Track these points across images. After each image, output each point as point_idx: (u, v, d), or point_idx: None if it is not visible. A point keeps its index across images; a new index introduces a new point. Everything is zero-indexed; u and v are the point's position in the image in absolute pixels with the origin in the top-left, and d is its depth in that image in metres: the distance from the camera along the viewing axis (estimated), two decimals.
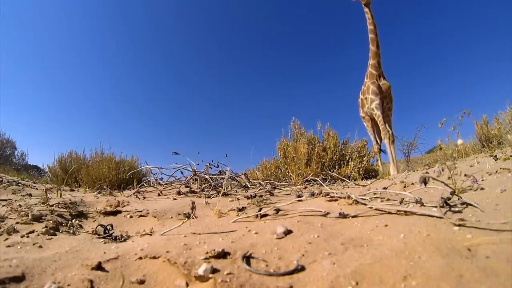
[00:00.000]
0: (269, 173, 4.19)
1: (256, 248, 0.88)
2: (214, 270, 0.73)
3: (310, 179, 3.08)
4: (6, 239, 1.09)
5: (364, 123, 4.46)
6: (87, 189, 3.27)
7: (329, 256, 0.76)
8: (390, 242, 0.78)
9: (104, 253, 0.93)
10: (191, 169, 2.74)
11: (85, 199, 2.08)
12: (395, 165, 3.81)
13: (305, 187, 2.65)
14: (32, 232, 1.20)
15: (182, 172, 2.81)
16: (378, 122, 3.88)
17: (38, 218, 1.40)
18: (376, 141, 4.39)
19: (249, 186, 2.64)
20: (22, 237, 1.12)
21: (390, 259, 0.67)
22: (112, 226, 1.36)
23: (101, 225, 1.33)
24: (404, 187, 1.84)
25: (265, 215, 1.35)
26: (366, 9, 3.72)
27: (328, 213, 1.21)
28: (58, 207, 1.69)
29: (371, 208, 1.18)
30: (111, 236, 1.24)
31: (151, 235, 1.26)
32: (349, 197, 1.42)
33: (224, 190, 2.20)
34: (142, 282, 0.74)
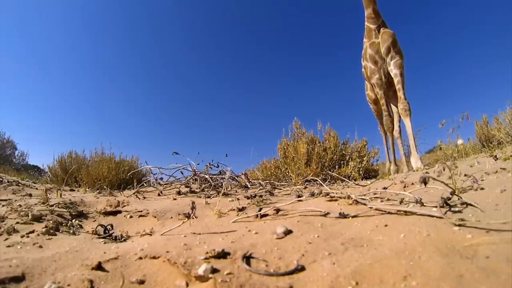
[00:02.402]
0: (269, 173, 4.19)
1: (256, 248, 0.88)
2: (214, 270, 0.73)
3: (310, 179, 3.07)
4: (6, 239, 1.09)
5: (370, 105, 3.92)
6: (87, 189, 3.27)
7: (329, 256, 0.76)
8: (390, 242, 0.78)
9: (104, 253, 0.93)
10: (191, 169, 2.74)
11: (85, 199, 2.08)
12: (400, 162, 3.32)
13: (305, 187, 2.65)
14: (32, 232, 1.20)
15: (182, 172, 2.81)
16: (381, 106, 3.36)
17: (38, 218, 1.40)
18: (384, 129, 3.87)
19: (249, 186, 2.63)
20: (22, 237, 1.12)
21: (390, 259, 0.67)
22: (112, 226, 1.36)
23: (101, 225, 1.33)
24: (404, 187, 1.84)
25: (265, 215, 1.35)
26: None
27: (328, 213, 1.21)
28: (58, 207, 1.69)
29: (371, 208, 1.18)
30: (111, 236, 1.24)
31: (151, 235, 1.26)
32: (349, 197, 1.42)
33: (224, 190, 2.20)
34: (142, 282, 0.74)
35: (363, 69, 3.53)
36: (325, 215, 1.21)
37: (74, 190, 3.10)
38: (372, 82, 3.24)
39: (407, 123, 3.07)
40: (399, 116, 3.47)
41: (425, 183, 0.99)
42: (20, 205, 1.67)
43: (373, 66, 3.18)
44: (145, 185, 2.92)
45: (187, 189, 2.49)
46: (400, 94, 3.07)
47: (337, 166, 3.74)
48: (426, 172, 2.22)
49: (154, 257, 0.85)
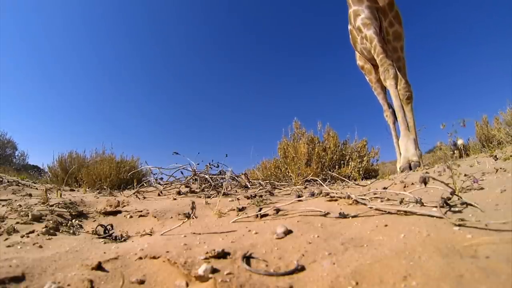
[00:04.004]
0: (269, 173, 4.19)
1: (256, 248, 0.88)
2: (214, 270, 0.73)
3: (310, 179, 3.07)
4: (6, 239, 1.09)
5: (366, 76, 3.07)
6: (87, 189, 3.27)
7: (329, 256, 0.76)
8: (390, 242, 0.78)
9: (104, 253, 0.93)
10: (191, 169, 2.74)
11: (85, 199, 2.08)
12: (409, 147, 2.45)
13: (305, 187, 2.65)
14: (32, 232, 1.20)
15: (182, 172, 2.81)
16: (373, 53, 2.30)
17: (38, 218, 1.40)
18: (388, 104, 3.01)
19: (249, 186, 2.63)
20: (22, 237, 1.12)
21: (390, 259, 0.67)
22: (112, 226, 1.36)
23: (101, 225, 1.33)
24: (404, 187, 1.84)
25: (265, 215, 1.35)
26: None
27: (328, 213, 1.21)
28: (58, 207, 1.69)
29: (371, 208, 1.18)
30: (111, 236, 1.24)
31: (151, 235, 1.26)
32: (349, 197, 1.42)
33: (224, 190, 2.20)
34: (142, 282, 0.74)
35: (350, 37, 2.84)
36: (325, 215, 1.21)
37: (74, 190, 3.10)
38: (358, 24, 2.31)
39: (408, 112, 2.57)
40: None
41: (425, 183, 0.99)
42: (20, 205, 1.67)
43: (357, 6, 2.33)
44: (145, 185, 2.92)
45: (187, 189, 2.49)
46: (401, 76, 2.50)
47: (337, 166, 3.74)
48: (426, 172, 2.22)
49: (154, 257, 0.85)
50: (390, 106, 2.96)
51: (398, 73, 2.33)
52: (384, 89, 2.87)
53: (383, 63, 2.21)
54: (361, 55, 2.83)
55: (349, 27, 2.68)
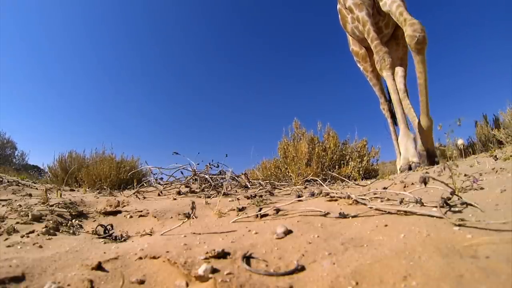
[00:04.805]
0: (269, 173, 4.19)
1: (256, 248, 0.88)
2: (214, 270, 0.73)
3: (310, 179, 3.07)
4: (6, 239, 1.09)
5: (360, 64, 2.76)
6: (87, 189, 3.27)
7: (329, 256, 0.76)
8: (390, 242, 0.78)
9: (104, 253, 0.93)
10: (191, 169, 2.74)
11: (85, 199, 2.08)
12: (407, 140, 2.24)
13: (305, 187, 2.65)
14: (32, 232, 1.20)
15: (182, 172, 2.81)
16: (366, 37, 2.07)
17: (38, 218, 1.40)
18: (386, 97, 2.71)
19: (249, 186, 2.63)
20: (22, 237, 1.12)
21: (390, 259, 0.67)
22: (112, 226, 1.36)
23: (101, 225, 1.33)
24: (404, 187, 1.84)
25: (265, 215, 1.35)
26: None
27: (328, 213, 1.21)
28: (58, 207, 1.69)
29: (371, 208, 1.18)
30: (111, 236, 1.24)
31: (151, 235, 1.26)
32: (349, 197, 1.42)
33: (224, 190, 2.20)
34: (142, 282, 0.74)
35: (339, 17, 2.59)
36: (325, 215, 1.21)
37: (74, 190, 3.10)
38: (349, 5, 2.11)
39: (418, 63, 1.96)
40: (403, 75, 2.19)
41: (425, 183, 0.99)
42: (20, 205, 1.67)
43: None
44: (145, 185, 2.92)
45: (187, 189, 2.49)
46: (405, 16, 1.94)
47: (337, 166, 3.74)
48: (426, 172, 2.22)
49: (154, 257, 0.85)
50: (388, 98, 2.70)
51: (389, 54, 2.08)
52: (380, 80, 2.66)
53: (378, 50, 2.03)
54: (353, 38, 2.60)
55: (338, 6, 2.51)
